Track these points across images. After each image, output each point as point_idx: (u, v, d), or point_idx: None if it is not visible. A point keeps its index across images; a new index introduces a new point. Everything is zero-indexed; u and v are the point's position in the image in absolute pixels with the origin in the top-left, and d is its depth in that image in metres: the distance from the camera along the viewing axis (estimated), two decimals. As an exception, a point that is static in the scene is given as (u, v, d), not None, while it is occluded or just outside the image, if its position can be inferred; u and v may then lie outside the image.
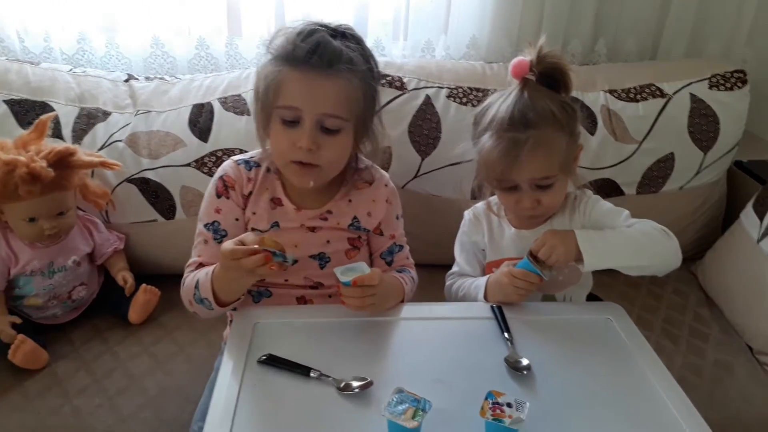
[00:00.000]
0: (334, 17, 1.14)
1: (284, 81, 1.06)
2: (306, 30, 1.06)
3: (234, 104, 1.58)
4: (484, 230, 1.29)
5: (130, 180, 1.54)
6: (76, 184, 1.42)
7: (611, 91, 1.67)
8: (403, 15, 1.82)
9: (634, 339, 1.08)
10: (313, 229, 1.19)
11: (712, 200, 1.77)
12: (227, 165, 1.20)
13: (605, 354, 1.05)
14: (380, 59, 1.62)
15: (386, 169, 1.44)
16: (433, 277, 1.38)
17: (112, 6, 1.73)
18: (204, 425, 0.88)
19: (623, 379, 0.99)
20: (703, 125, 1.66)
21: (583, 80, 1.67)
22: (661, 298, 1.65)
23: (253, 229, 1.17)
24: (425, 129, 1.61)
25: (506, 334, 1.06)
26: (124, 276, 1.50)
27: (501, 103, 1.14)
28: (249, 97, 1.55)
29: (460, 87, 1.64)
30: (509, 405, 0.85)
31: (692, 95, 1.67)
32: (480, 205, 1.32)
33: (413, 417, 0.82)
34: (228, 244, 0.99)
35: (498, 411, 0.84)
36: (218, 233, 1.17)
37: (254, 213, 1.18)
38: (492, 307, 1.14)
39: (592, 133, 1.63)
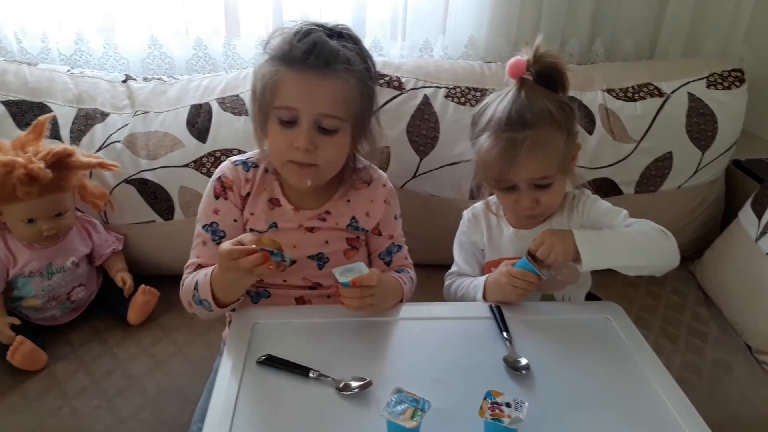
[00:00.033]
0: (332, 17, 1.15)
1: (281, 81, 1.06)
2: (303, 30, 1.06)
3: (232, 104, 1.58)
4: (482, 230, 1.29)
5: (128, 181, 1.54)
6: (74, 185, 1.42)
7: (609, 91, 1.67)
8: (401, 15, 1.82)
9: (632, 338, 1.09)
10: (311, 230, 1.19)
11: (710, 199, 1.78)
12: (225, 166, 1.20)
13: (604, 353, 1.05)
14: (378, 59, 1.63)
15: (385, 169, 1.44)
16: (431, 277, 1.38)
17: (110, 6, 1.73)
18: (203, 426, 0.88)
19: (622, 379, 1.00)
20: (701, 124, 1.66)
21: (581, 80, 1.67)
22: (659, 298, 1.65)
23: (251, 230, 1.17)
24: (423, 129, 1.61)
25: (505, 334, 1.07)
26: (122, 277, 1.50)
27: (498, 103, 1.14)
28: (247, 97, 1.55)
29: (459, 87, 1.63)
30: (508, 405, 0.85)
31: (690, 94, 1.67)
32: (479, 204, 1.32)
33: (412, 417, 0.82)
34: (226, 245, 0.99)
35: (497, 411, 0.84)
36: (216, 234, 1.17)
37: (252, 214, 1.18)
38: (491, 306, 1.15)
39: (591, 133, 1.63)
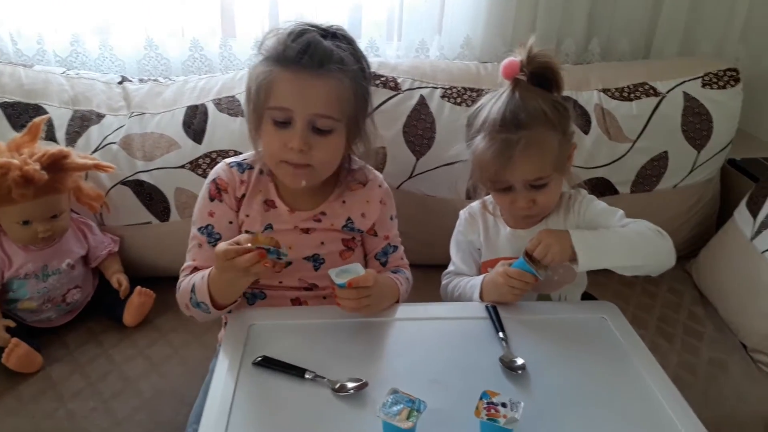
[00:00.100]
0: (328, 18, 1.14)
1: (275, 81, 1.06)
2: (297, 30, 1.06)
3: (228, 106, 1.58)
4: (479, 229, 1.30)
5: (124, 182, 1.53)
6: (69, 187, 1.42)
7: (605, 90, 1.67)
8: (397, 15, 1.82)
9: (628, 338, 1.09)
10: (306, 231, 1.19)
11: (705, 198, 1.78)
12: (219, 168, 1.20)
13: (600, 353, 1.05)
14: (374, 60, 1.63)
15: (381, 169, 1.44)
16: (428, 277, 1.38)
17: (106, 8, 1.73)
18: (199, 427, 0.88)
19: (618, 378, 1.00)
20: (696, 124, 1.67)
21: (577, 79, 1.67)
22: (655, 297, 1.65)
23: (247, 232, 1.17)
24: (420, 129, 1.61)
25: (501, 334, 1.07)
26: (118, 278, 1.50)
27: (493, 104, 1.14)
28: (243, 98, 1.54)
29: (455, 87, 1.64)
30: (504, 405, 0.85)
31: (685, 94, 1.67)
32: (475, 204, 1.32)
33: (408, 418, 0.82)
34: (222, 245, 0.99)
35: (493, 411, 0.84)
36: (212, 237, 1.17)
37: (248, 215, 1.18)
38: (487, 306, 1.15)
39: (586, 133, 1.63)
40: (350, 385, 0.93)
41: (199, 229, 1.17)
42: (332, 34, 1.08)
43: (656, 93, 1.67)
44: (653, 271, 1.19)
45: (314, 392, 0.94)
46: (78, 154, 1.43)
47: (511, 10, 1.79)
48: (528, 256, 1.13)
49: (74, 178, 1.43)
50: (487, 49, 1.82)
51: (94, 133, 1.54)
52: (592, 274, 1.28)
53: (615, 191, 1.69)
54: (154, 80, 1.67)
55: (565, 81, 1.17)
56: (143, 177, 1.54)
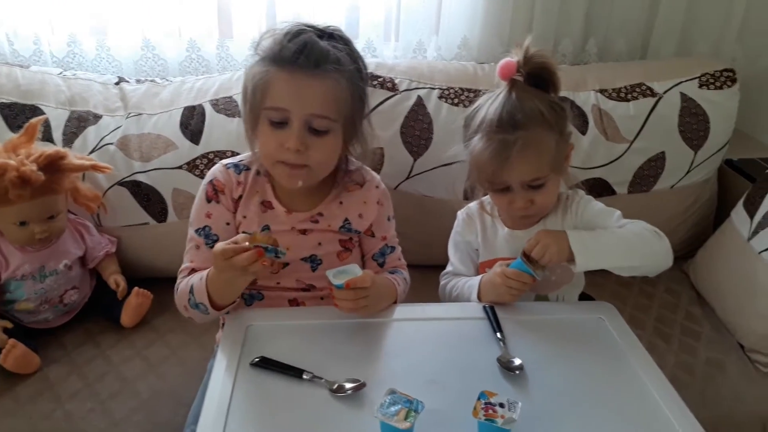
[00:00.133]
0: (325, 19, 1.14)
1: (272, 82, 1.06)
2: (293, 31, 1.06)
3: (225, 106, 1.58)
4: (477, 230, 1.30)
5: (121, 183, 1.53)
6: (66, 188, 1.42)
7: (602, 91, 1.68)
8: (395, 16, 1.83)
9: (626, 338, 1.09)
10: (304, 232, 1.19)
11: (703, 199, 1.78)
12: (216, 169, 1.20)
13: (597, 353, 1.05)
14: (372, 60, 1.64)
15: (378, 170, 1.44)
16: (425, 277, 1.38)
17: (102, 8, 1.72)
18: (196, 428, 0.88)
19: (615, 378, 1.00)
20: (693, 124, 1.67)
21: (574, 80, 1.67)
22: (653, 297, 1.65)
23: (244, 233, 1.16)
24: (417, 130, 1.61)
25: (498, 334, 1.07)
26: (116, 279, 1.50)
27: (490, 105, 1.14)
28: (240, 99, 1.54)
29: (452, 88, 1.64)
30: (501, 405, 0.85)
31: (682, 94, 1.67)
32: (473, 204, 1.32)
33: (406, 418, 0.82)
34: (220, 245, 0.99)
35: (490, 411, 0.84)
36: (209, 238, 1.16)
37: (245, 216, 1.17)
38: (484, 307, 1.15)
39: (584, 133, 1.63)
40: (348, 385, 0.93)
41: (197, 230, 1.17)
42: (329, 34, 1.08)
43: (653, 93, 1.67)
44: (650, 271, 1.19)
45: (312, 393, 0.94)
46: (75, 155, 1.43)
47: (508, 11, 1.79)
48: (526, 256, 1.13)
49: (71, 178, 1.43)
50: (484, 49, 1.83)
51: (91, 134, 1.54)
52: (589, 274, 1.29)
53: (612, 192, 1.69)
54: (151, 81, 1.67)
55: (562, 81, 1.17)
56: (140, 178, 1.53)
